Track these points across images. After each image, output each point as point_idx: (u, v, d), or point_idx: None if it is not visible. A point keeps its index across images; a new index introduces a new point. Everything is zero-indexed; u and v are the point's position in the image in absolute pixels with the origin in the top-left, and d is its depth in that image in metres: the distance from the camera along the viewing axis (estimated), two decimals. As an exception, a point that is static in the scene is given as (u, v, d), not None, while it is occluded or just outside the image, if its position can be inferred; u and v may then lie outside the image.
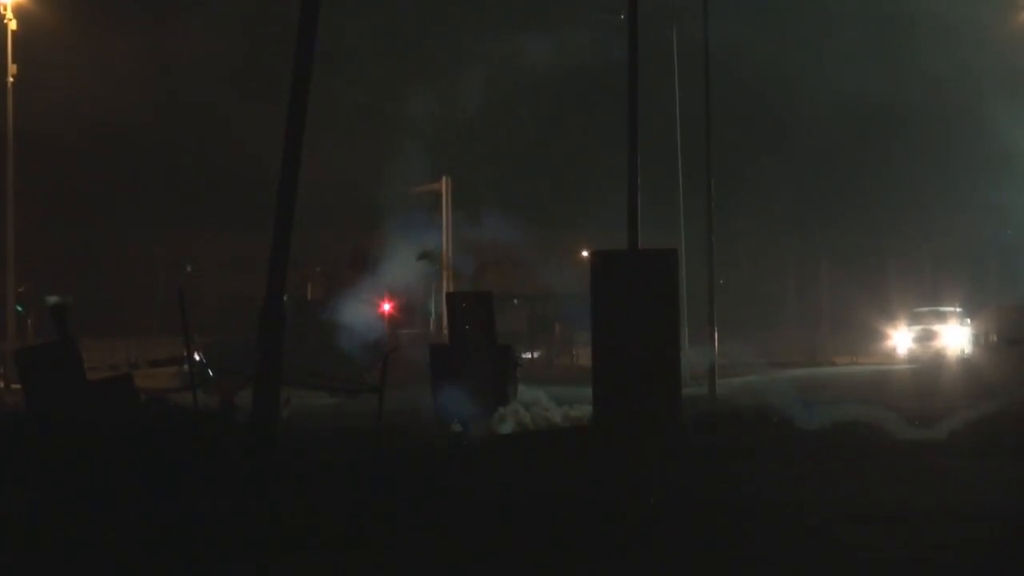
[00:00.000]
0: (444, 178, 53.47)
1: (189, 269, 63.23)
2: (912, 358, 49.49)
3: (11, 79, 42.06)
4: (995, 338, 43.36)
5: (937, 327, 52.68)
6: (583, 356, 35.17)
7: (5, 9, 42.02)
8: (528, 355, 48.35)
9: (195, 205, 66.73)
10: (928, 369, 41.21)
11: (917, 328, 52.88)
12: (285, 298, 17.26)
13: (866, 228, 71.22)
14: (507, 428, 21.71)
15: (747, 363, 42.68)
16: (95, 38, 52.34)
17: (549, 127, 62.47)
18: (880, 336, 55.94)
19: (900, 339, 53.57)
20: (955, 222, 63.13)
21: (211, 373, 29.97)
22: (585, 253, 29.19)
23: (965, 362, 45.10)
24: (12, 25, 42.09)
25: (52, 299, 34.73)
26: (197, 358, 26.28)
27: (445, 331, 27.57)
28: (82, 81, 54.82)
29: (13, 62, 42.20)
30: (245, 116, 50.25)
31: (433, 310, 54.10)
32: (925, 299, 56.86)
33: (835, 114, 59.35)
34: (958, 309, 54.18)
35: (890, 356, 52.52)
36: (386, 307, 44.58)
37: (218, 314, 51.54)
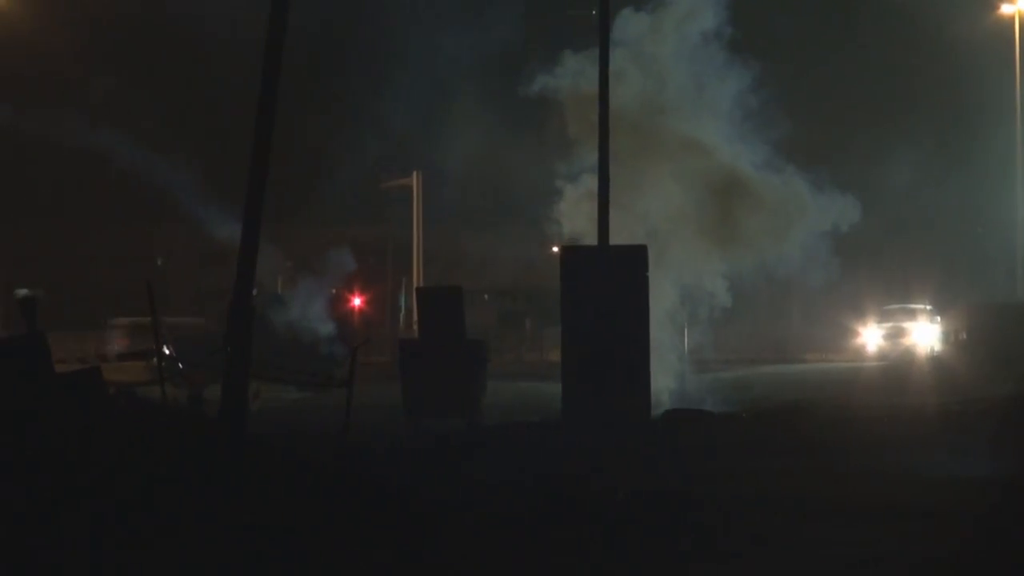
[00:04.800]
0: (415, 172, 53.46)
1: (160, 262, 63.13)
2: (882, 355, 49.57)
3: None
4: (965, 336, 43.52)
5: (907, 324, 52.79)
6: (554, 352, 35.19)
7: None
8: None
9: (171, 199, 66.29)
10: (897, 366, 41.31)
11: (887, 325, 52.93)
12: (255, 292, 17.27)
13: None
14: None
15: (717, 360, 42.74)
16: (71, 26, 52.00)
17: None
18: (850, 333, 55.98)
19: (870, 336, 53.62)
20: (926, 219, 63.23)
21: (181, 366, 29.90)
22: (556, 249, 29.20)
23: (934, 360, 45.24)
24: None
25: (22, 292, 34.64)
26: (167, 351, 26.23)
27: (415, 326, 27.59)
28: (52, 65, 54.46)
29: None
30: (223, 109, 50.12)
31: (404, 304, 54.13)
32: (895, 296, 56.96)
33: (804, 107, 59.40)
34: (928, 307, 54.31)
35: (860, 353, 52.59)
36: (356, 301, 44.64)
37: (194, 307, 51.42)
